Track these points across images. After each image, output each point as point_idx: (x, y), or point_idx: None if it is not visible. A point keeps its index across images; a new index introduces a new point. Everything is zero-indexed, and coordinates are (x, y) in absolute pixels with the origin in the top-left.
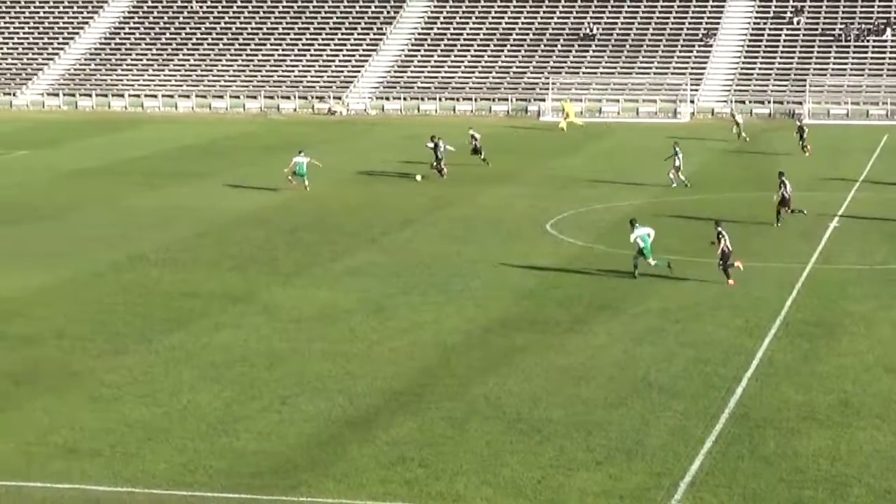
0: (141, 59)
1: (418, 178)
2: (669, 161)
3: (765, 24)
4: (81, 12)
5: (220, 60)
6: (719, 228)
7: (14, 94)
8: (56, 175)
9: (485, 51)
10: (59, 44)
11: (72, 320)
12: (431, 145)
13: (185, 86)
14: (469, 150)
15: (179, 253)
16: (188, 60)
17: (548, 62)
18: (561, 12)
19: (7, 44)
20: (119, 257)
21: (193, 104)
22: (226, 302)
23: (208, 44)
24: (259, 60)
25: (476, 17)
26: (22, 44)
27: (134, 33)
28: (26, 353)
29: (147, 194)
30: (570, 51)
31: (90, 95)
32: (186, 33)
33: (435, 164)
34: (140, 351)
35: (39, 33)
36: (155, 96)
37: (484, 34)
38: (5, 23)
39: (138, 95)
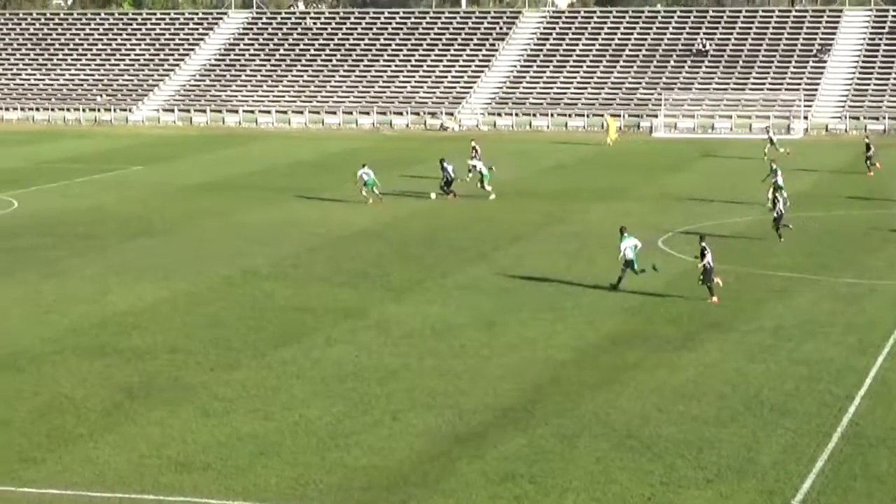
0: (255, 75)
1: (432, 196)
2: (768, 181)
3: (880, 38)
4: (197, 29)
5: (334, 76)
6: (703, 244)
7: (130, 111)
8: (170, 190)
9: (597, 66)
10: (174, 60)
11: (185, 334)
12: (450, 167)
13: (299, 101)
14: (467, 166)
15: (292, 268)
16: (302, 76)
17: (660, 78)
18: (674, 28)
19: (124, 60)
20: (232, 272)
21: (306, 120)
22: (338, 317)
23: (322, 60)
24: (372, 76)
25: (589, 33)
26: (138, 60)
27: (248, 49)
28: (140, 366)
29: (260, 209)
30: (683, 67)
31: (205, 111)
32: (300, 49)
33: (444, 185)
34: (252, 365)
35: (155, 50)
36: (269, 112)
37: (597, 50)
38: (122, 40)
39: (252, 111)
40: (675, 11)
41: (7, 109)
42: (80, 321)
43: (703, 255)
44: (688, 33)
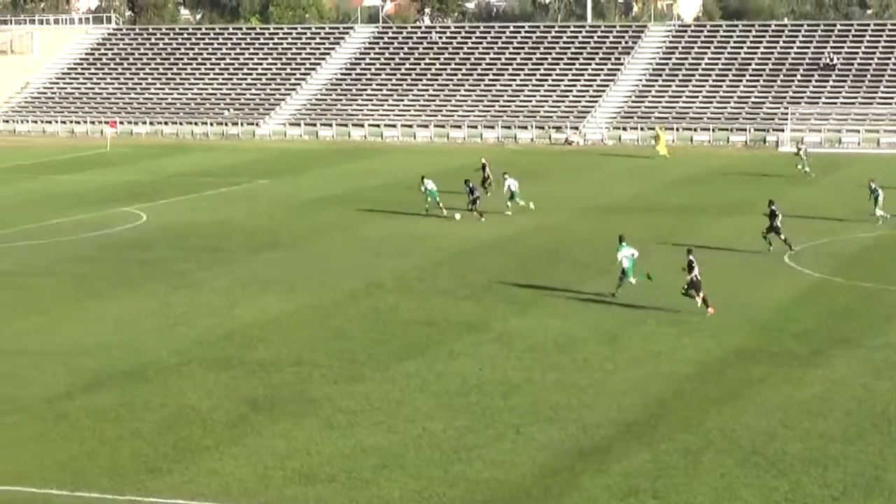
0: (381, 89)
1: (457, 216)
2: (872, 199)
3: None
4: (324, 43)
5: (459, 90)
6: (691, 257)
7: (257, 125)
8: (296, 204)
9: (723, 80)
10: (301, 74)
11: (310, 347)
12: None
13: (424, 115)
14: (479, 181)
15: (416, 281)
16: (427, 90)
17: (787, 92)
18: (801, 42)
19: (251, 75)
20: (357, 285)
21: (431, 134)
22: (461, 330)
23: (447, 74)
24: (497, 90)
25: (715, 47)
26: (265, 74)
27: (374, 63)
28: (265, 378)
29: (385, 223)
30: (810, 81)
31: (331, 125)
32: (426, 63)
33: (471, 205)
34: (376, 378)
35: (282, 64)
36: (394, 126)
37: (723, 64)
38: (249, 54)
39: (378, 125)
40: (802, 25)
41: (136, 123)
42: (206, 333)
43: (690, 268)
44: (815, 47)
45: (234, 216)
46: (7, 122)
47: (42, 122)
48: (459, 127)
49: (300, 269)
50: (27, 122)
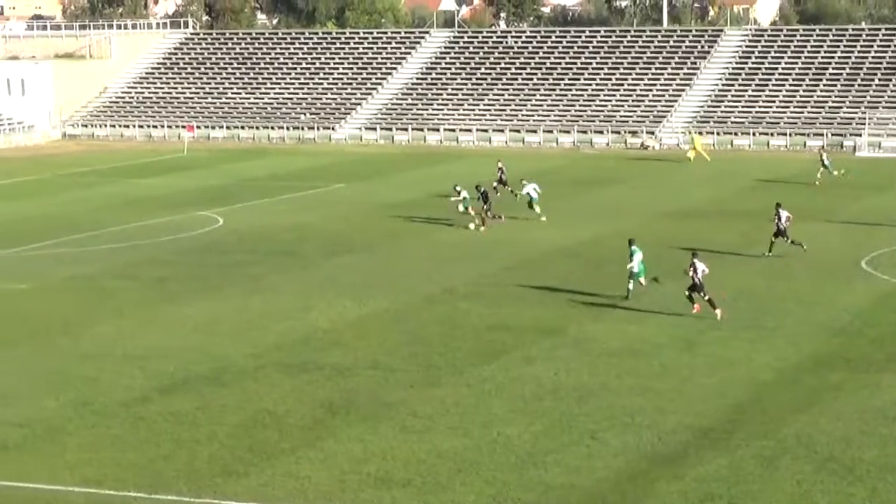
0: (456, 94)
1: (472, 227)
2: None
3: None
4: (399, 48)
5: (534, 95)
6: (695, 260)
7: (333, 129)
8: (372, 208)
9: (800, 85)
10: (377, 79)
11: (385, 351)
12: (476, 194)
13: (500, 120)
14: (496, 182)
15: (490, 286)
16: (503, 95)
17: (864, 97)
18: (879, 46)
19: (327, 79)
20: (432, 289)
21: (507, 138)
22: (536, 335)
23: (523, 78)
24: (573, 94)
25: (792, 51)
26: (342, 79)
27: (450, 68)
28: (341, 382)
29: (460, 228)
30: (888, 85)
31: (406, 129)
32: (501, 68)
33: (485, 211)
34: (452, 382)
35: (358, 69)
36: (469, 130)
37: (800, 68)
38: (325, 59)
39: (453, 129)
40: (879, 29)
41: (213, 128)
42: (282, 337)
43: (694, 270)
44: (893, 51)
45: (310, 220)
46: (86, 126)
47: (120, 126)
48: (535, 132)
49: (375, 274)
50: (105, 126)
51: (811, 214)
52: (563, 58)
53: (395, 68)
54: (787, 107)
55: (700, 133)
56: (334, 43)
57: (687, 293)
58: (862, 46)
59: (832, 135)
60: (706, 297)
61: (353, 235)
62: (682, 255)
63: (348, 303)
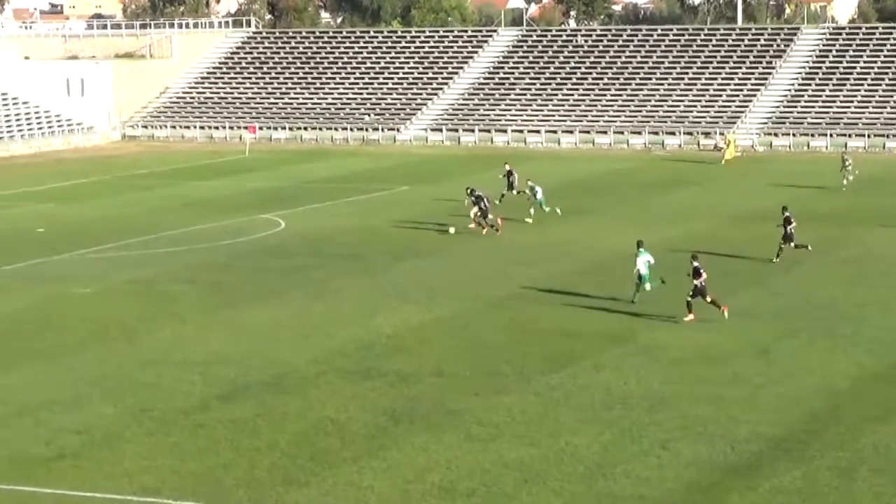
0: (525, 94)
1: (451, 230)
2: None
3: None
4: (466, 46)
5: (605, 95)
6: (696, 263)
7: (398, 130)
8: (438, 211)
9: (879, 85)
10: (443, 79)
11: (450, 358)
12: (472, 198)
13: (569, 121)
14: (505, 187)
15: (558, 290)
16: (572, 95)
17: None
18: None
19: (392, 79)
20: (498, 294)
21: (576, 140)
22: (606, 342)
23: (593, 78)
24: (644, 95)
25: (871, 50)
26: (407, 79)
27: (518, 67)
28: (405, 390)
29: (528, 230)
30: None
31: (473, 130)
32: (571, 67)
33: (480, 216)
34: (518, 390)
35: (424, 69)
36: (538, 131)
37: (878, 67)
38: (390, 58)
39: (521, 130)
40: None
41: (275, 128)
42: (345, 343)
43: (697, 274)
44: None
45: (374, 223)
46: (146, 127)
47: (181, 127)
48: (605, 133)
49: (441, 278)
50: (166, 127)
51: (891, 218)
52: (635, 57)
53: (461, 68)
54: (866, 107)
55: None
56: (399, 42)
57: (688, 298)
58: None
59: None
60: (709, 300)
61: (418, 239)
62: (753, 264)
63: (413, 308)
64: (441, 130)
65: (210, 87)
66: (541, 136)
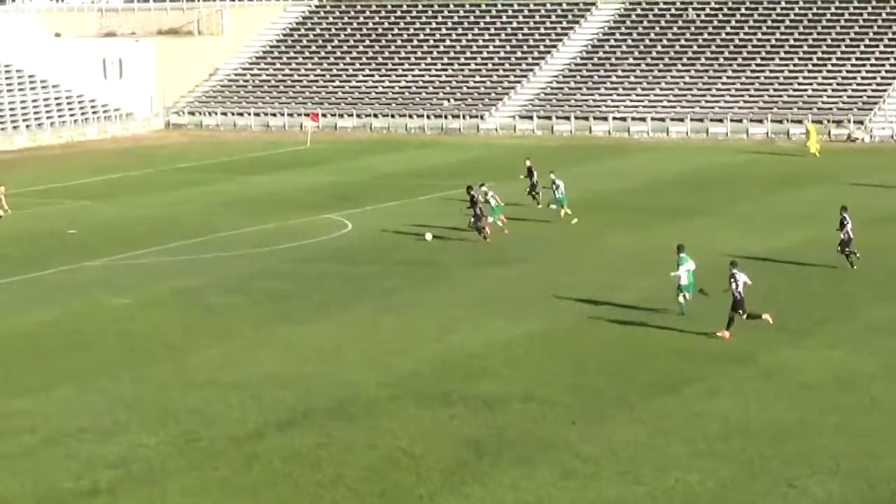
0: (628, 76)
1: (428, 237)
2: None
3: None
4: (560, 22)
5: (720, 77)
6: (734, 270)
7: (481, 117)
8: (528, 210)
9: None
10: (534, 59)
11: (542, 380)
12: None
13: (679, 107)
14: (528, 187)
15: (668, 303)
16: (682, 78)
17: None
18: None
19: (475, 59)
20: (598, 307)
21: (688, 129)
22: (721, 363)
23: (706, 58)
24: (766, 78)
25: None
26: (492, 59)
27: (620, 46)
28: (490, 417)
29: (632, 234)
30: None
31: (568, 118)
32: (681, 46)
33: (472, 220)
34: (620, 419)
35: (512, 47)
36: (643, 119)
37: None
38: (473, 35)
39: (624, 118)
40: None
41: (341, 116)
42: (421, 363)
43: (735, 282)
44: None
45: (453, 225)
46: (193, 113)
47: (233, 114)
48: (721, 121)
49: (532, 288)
50: (216, 114)
51: None
52: (755, 34)
53: (554, 46)
54: None
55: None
56: (483, 17)
57: (731, 313)
58: None
59: None
60: (745, 315)
61: (505, 243)
62: (890, 272)
63: (499, 322)
64: (531, 118)
65: (266, 69)
66: (646, 124)
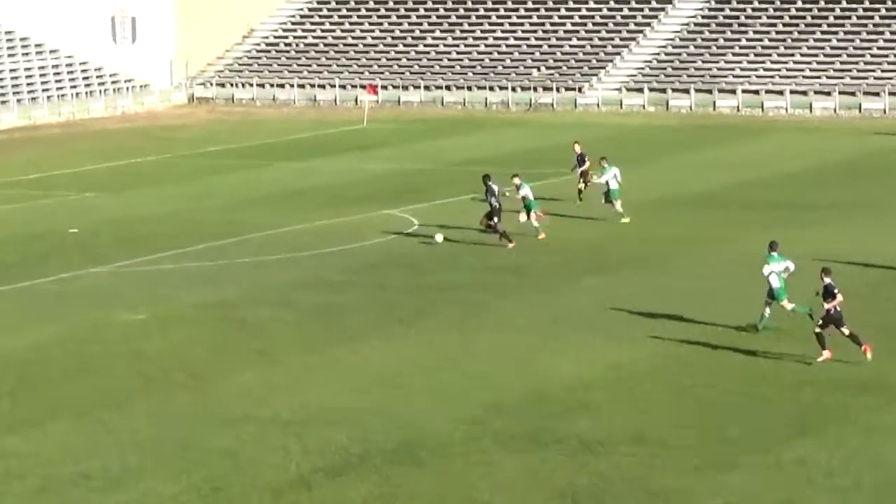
0: (760, 40)
1: (438, 238)
2: None
3: None
4: None
5: (875, 42)
6: (828, 279)
7: (579, 90)
8: (636, 204)
9: None
10: (642, 19)
11: (654, 418)
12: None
13: (824, 77)
14: (579, 179)
15: (806, 321)
16: (828, 42)
17: None
18: None
19: (571, 18)
20: (726, 327)
21: (835, 104)
22: (879, 395)
23: (857, 17)
24: None
25: None
26: (591, 18)
27: (744, 9)
28: (591, 462)
29: (765, 237)
30: None
31: (687, 91)
32: (825, 2)
33: (486, 218)
34: (753, 464)
35: (615, 3)
36: (779, 93)
37: None
38: None
39: (756, 91)
40: None
41: (406, 88)
42: (504, 394)
43: (832, 295)
44: None
45: (553, 225)
46: (223, 85)
47: (272, 85)
48: (877, 95)
49: (639, 302)
50: (250, 85)
51: None
52: None
53: (669, 3)
54: None
55: None
56: None
57: (818, 329)
58: None
59: None
60: (847, 333)
61: (609, 245)
62: None
63: (601, 344)
64: (641, 91)
65: (313, 29)
66: (784, 98)
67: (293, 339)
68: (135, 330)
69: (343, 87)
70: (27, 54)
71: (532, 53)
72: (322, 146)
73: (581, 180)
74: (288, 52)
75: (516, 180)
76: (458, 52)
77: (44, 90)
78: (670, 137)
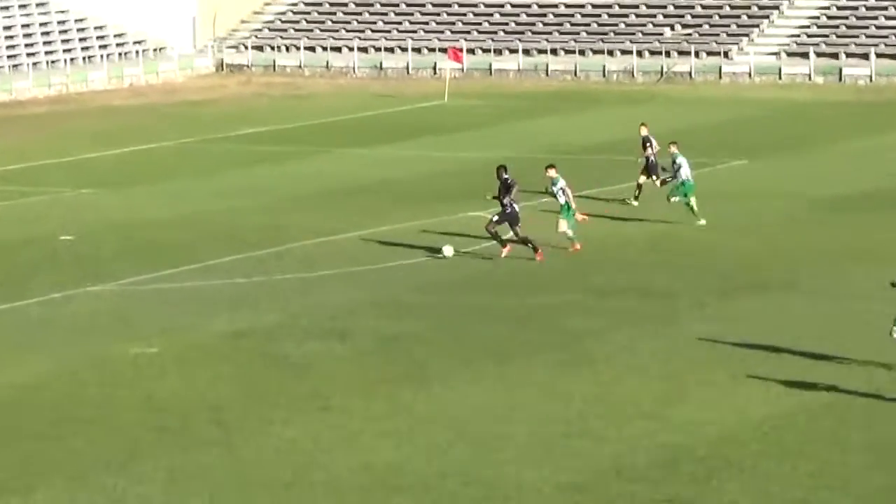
0: None
1: (447, 251)
2: None
3: None
4: None
5: None
6: None
7: (725, 55)
8: (802, 204)
9: None
10: None
11: (825, 482)
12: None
13: None
14: (641, 168)
15: None
16: None
17: None
18: None
19: None
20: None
21: None
22: None
23: None
24: None
25: None
26: None
27: None
28: None
29: None
30: None
31: (866, 56)
32: None
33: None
34: None
35: None
36: None
37: None
38: None
39: None
40: None
41: (499, 52)
42: (626, 452)
43: None
44: None
45: (680, 231)
46: (261, 48)
47: (324, 48)
48: None
49: (805, 332)
50: (296, 48)
51: None
52: None
53: None
54: None
55: None
56: None
57: None
58: None
59: None
60: None
61: (765, 256)
62: None
63: (756, 388)
64: (805, 56)
65: None
66: None
67: (350, 379)
68: (145, 367)
69: (417, 50)
70: (7, 7)
71: (664, 7)
72: (389, 128)
73: (647, 174)
74: (346, 4)
75: (551, 172)
76: (566, 6)
77: (29, 55)
78: (844, 117)
